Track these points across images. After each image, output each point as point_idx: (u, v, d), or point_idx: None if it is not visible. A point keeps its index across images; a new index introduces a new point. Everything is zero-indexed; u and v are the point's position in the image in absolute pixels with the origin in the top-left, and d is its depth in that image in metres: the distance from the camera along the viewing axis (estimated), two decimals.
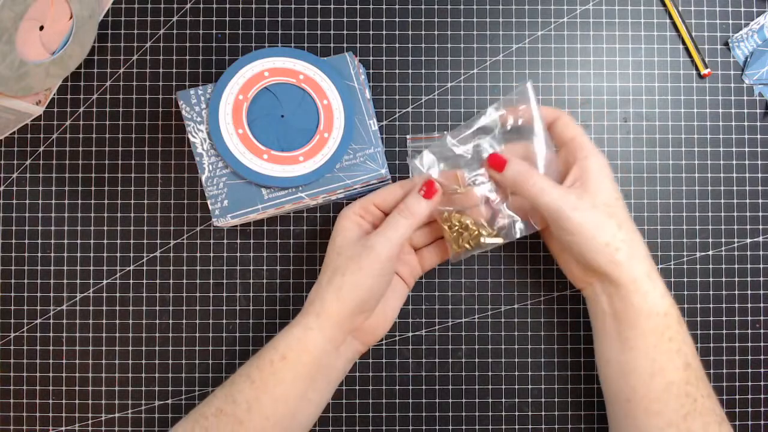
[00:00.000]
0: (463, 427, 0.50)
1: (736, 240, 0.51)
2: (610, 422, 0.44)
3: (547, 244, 0.48)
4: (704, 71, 0.51)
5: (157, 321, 0.51)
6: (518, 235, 0.45)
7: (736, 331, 0.50)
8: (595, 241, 0.41)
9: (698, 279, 0.51)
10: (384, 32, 0.51)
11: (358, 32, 0.51)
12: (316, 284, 0.44)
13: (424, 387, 0.51)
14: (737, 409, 0.50)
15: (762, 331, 0.51)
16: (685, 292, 0.50)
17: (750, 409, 0.50)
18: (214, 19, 0.51)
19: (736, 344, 0.50)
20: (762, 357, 0.50)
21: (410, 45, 0.51)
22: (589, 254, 0.41)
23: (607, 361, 0.43)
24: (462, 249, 0.45)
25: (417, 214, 0.43)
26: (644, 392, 0.40)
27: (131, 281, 0.51)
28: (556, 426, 0.50)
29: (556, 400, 0.50)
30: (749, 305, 0.51)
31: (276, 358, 0.42)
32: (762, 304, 0.51)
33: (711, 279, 0.51)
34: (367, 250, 0.42)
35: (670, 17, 0.51)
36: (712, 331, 0.50)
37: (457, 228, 0.45)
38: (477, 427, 0.50)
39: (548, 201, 0.41)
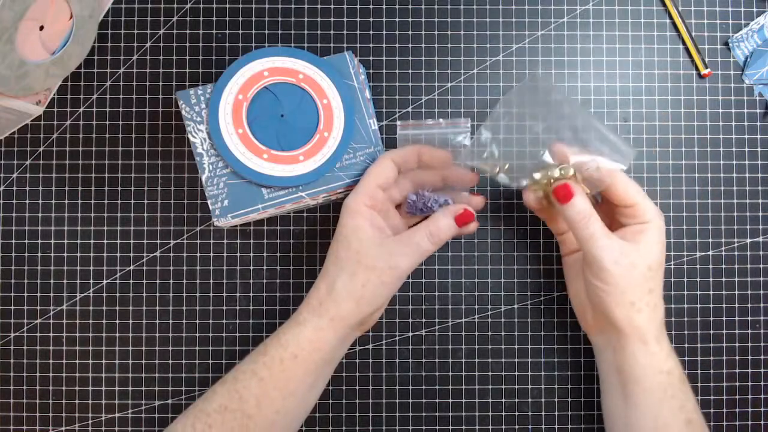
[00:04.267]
0: (463, 427, 0.50)
1: (736, 240, 0.51)
2: None
3: (567, 280, 0.48)
4: (704, 71, 0.51)
5: (157, 321, 0.51)
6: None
7: (736, 331, 0.50)
8: (621, 297, 0.41)
9: (698, 279, 0.51)
10: (384, 32, 0.51)
11: (358, 32, 0.51)
12: (325, 281, 0.43)
13: (424, 387, 0.50)
14: (737, 409, 0.50)
15: (762, 331, 0.50)
16: (685, 292, 0.50)
17: (750, 409, 0.50)
18: (214, 19, 0.51)
19: (736, 344, 0.50)
20: (762, 357, 0.50)
21: (410, 45, 0.51)
22: (610, 306, 0.41)
23: (609, 416, 0.44)
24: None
25: (443, 240, 0.43)
26: None
27: (131, 281, 0.51)
28: (556, 426, 0.50)
29: (556, 400, 0.50)
30: (749, 305, 0.51)
31: (286, 357, 0.42)
32: (762, 304, 0.51)
33: (711, 279, 0.51)
34: (391, 269, 0.42)
35: (670, 17, 0.51)
36: (712, 331, 0.50)
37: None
38: (477, 427, 0.50)
39: (592, 248, 0.41)
